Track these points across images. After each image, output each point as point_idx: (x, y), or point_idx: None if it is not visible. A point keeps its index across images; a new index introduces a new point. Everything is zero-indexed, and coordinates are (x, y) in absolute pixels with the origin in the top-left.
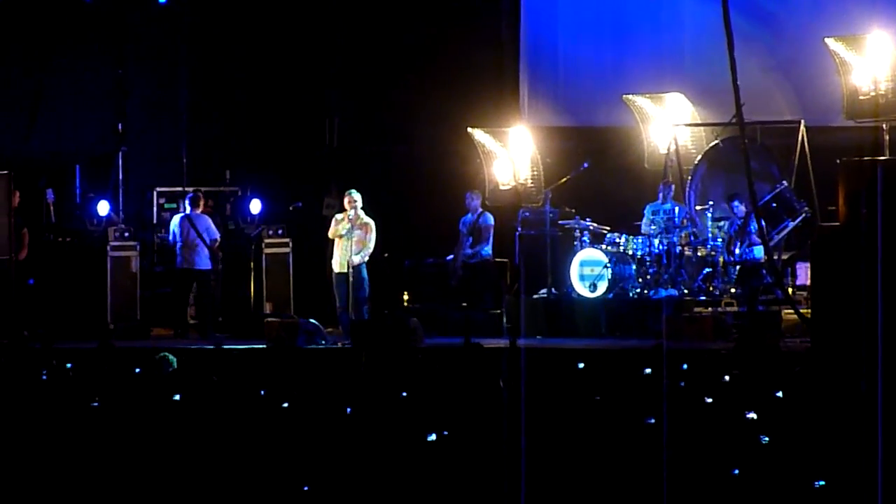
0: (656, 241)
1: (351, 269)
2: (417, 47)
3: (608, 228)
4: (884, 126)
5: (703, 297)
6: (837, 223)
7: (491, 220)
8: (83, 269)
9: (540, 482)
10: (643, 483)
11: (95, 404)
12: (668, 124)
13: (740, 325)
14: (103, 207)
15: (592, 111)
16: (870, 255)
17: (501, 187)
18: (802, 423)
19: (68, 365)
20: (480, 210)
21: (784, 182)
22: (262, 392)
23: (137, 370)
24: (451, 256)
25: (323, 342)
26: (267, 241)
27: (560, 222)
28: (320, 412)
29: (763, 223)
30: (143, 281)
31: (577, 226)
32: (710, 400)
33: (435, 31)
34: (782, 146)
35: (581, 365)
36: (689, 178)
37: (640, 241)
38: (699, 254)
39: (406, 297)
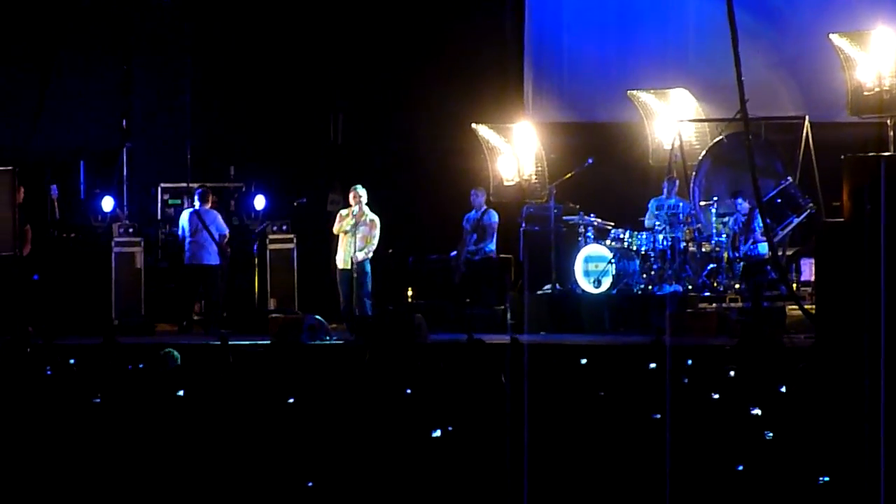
0: (660, 237)
1: (355, 266)
2: (422, 43)
3: (612, 224)
4: (888, 122)
5: (708, 293)
6: (842, 219)
7: (495, 217)
8: (88, 265)
9: (543, 478)
10: (647, 479)
11: (97, 400)
12: (673, 120)
13: (744, 321)
14: (108, 203)
15: (597, 107)
16: (874, 251)
17: (506, 183)
18: (806, 419)
19: (71, 360)
20: (485, 207)
21: (788, 178)
22: (265, 388)
23: (140, 366)
24: (455, 253)
25: (327, 338)
26: (271, 236)
27: (564, 218)
28: (324, 408)
29: (767, 219)
30: (147, 277)
31: (581, 222)
32: (716, 396)
33: (439, 27)
34: (787, 142)
35: (584, 361)
36: (694, 173)
37: (644, 236)
38: (703, 249)
39: (410, 293)
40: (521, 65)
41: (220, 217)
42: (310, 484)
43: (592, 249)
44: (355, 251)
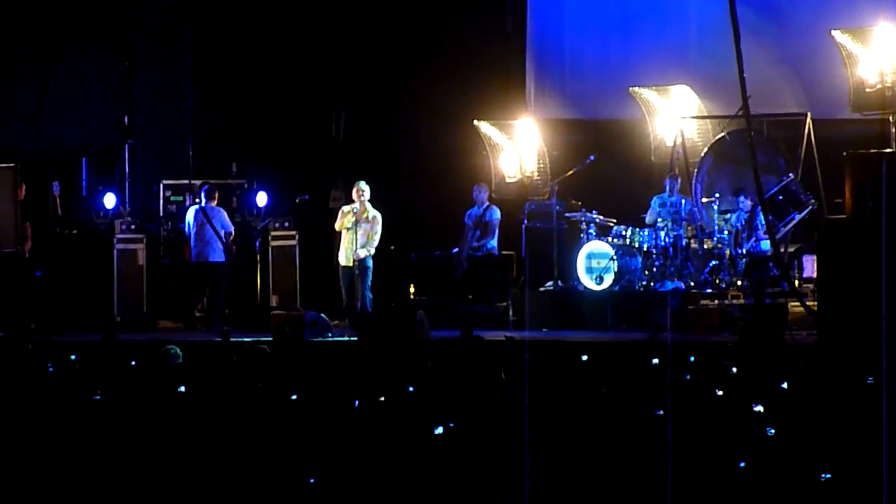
0: (662, 234)
1: (357, 262)
2: (424, 40)
3: (614, 221)
4: (890, 118)
5: (710, 290)
6: (844, 216)
7: (498, 213)
8: (90, 262)
9: (545, 474)
10: (648, 475)
11: (97, 398)
12: (675, 117)
13: (745, 318)
14: (110, 200)
15: (599, 104)
16: (875, 248)
17: (508, 180)
18: (808, 415)
19: (72, 357)
20: (487, 203)
21: (790, 174)
22: (267, 385)
23: (140, 363)
24: (457, 249)
25: (329, 335)
26: (273, 233)
27: (566, 215)
28: (326, 405)
29: (769, 216)
30: (149, 273)
31: (583, 218)
32: (720, 393)
33: (441, 23)
34: (789, 139)
35: (585, 357)
36: (696, 170)
37: (646, 233)
38: (705, 246)
39: (412, 289)
40: (523, 61)
41: (225, 214)
42: (311, 480)
43: (594, 246)
44: (357, 248)
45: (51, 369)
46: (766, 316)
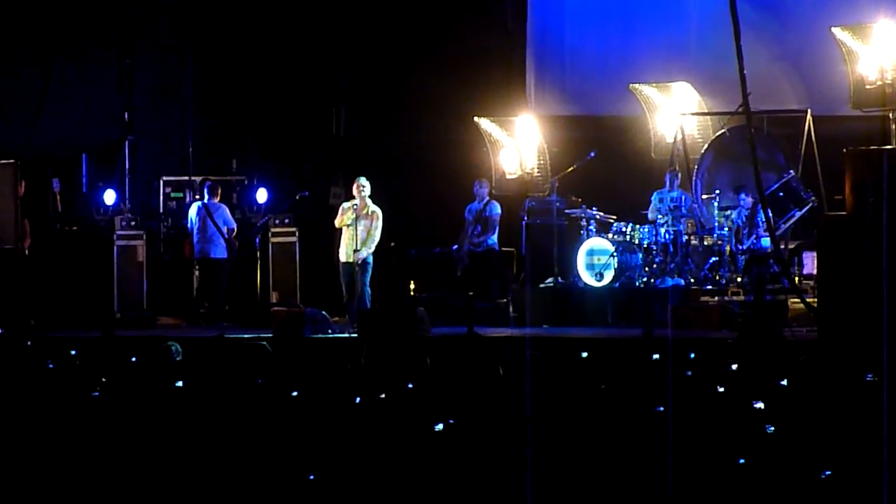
0: (662, 231)
1: (357, 259)
2: (424, 36)
3: (614, 217)
4: (890, 115)
5: (710, 287)
6: (844, 212)
7: (498, 209)
8: (90, 259)
9: (545, 471)
10: (649, 472)
11: (96, 394)
12: (675, 113)
13: (745, 315)
14: (110, 196)
15: (599, 100)
16: (876, 245)
17: (508, 176)
18: (808, 412)
19: (73, 352)
20: (488, 199)
21: (790, 171)
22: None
23: (139, 359)
24: (457, 246)
25: (329, 331)
26: (273, 230)
27: (566, 211)
28: (326, 402)
29: (769, 212)
30: (149, 270)
31: (583, 215)
32: (721, 389)
33: (442, 20)
34: (789, 135)
35: (585, 354)
36: (696, 167)
37: (646, 230)
38: (705, 243)
39: (412, 286)
40: (524, 58)
41: (227, 210)
42: (311, 477)
43: (594, 243)
44: (357, 245)
45: (51, 366)
46: (766, 312)
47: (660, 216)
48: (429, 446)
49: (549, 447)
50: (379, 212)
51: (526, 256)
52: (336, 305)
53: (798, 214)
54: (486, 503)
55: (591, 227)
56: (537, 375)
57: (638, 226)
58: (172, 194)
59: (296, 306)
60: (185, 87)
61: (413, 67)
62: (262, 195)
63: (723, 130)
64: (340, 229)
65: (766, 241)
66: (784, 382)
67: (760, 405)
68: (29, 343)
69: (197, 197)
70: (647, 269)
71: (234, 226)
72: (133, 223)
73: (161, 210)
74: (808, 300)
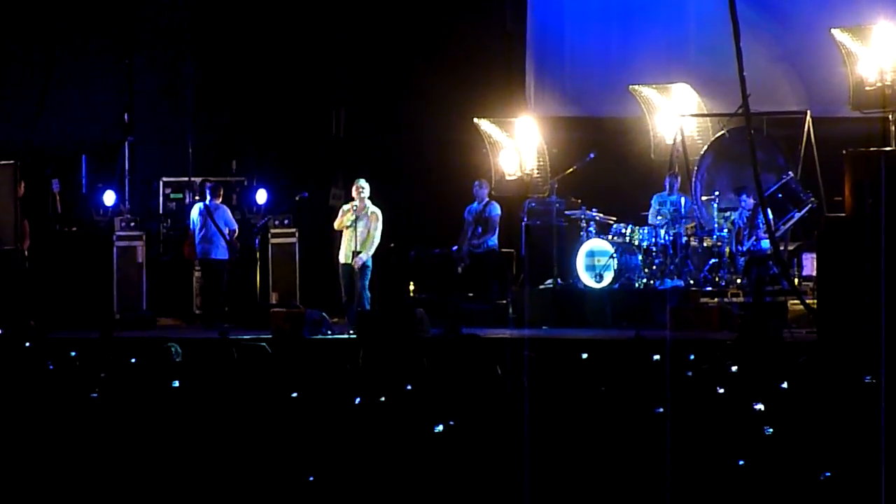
0: (662, 232)
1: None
2: (424, 37)
3: (614, 219)
4: (890, 117)
5: (709, 288)
6: (843, 214)
7: (498, 209)
8: (89, 259)
9: (544, 472)
10: (648, 473)
11: (94, 395)
12: (675, 115)
13: (745, 316)
14: (109, 197)
15: (599, 101)
16: (875, 246)
17: (508, 177)
18: (807, 413)
19: (72, 353)
20: (487, 200)
21: (790, 173)
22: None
23: (138, 361)
24: (456, 247)
25: (329, 333)
26: (273, 231)
27: (566, 213)
28: (325, 403)
29: (769, 214)
30: (149, 271)
31: (583, 216)
32: (721, 390)
33: (441, 20)
34: (788, 137)
35: (585, 355)
36: (696, 168)
37: (646, 231)
38: (705, 244)
39: (412, 287)
40: (523, 59)
41: (228, 212)
42: (311, 478)
43: (594, 244)
44: (357, 247)
45: (51, 367)
46: (765, 314)
47: (659, 218)
48: (428, 447)
49: (549, 448)
50: (378, 213)
51: (525, 257)
52: (335, 306)
53: (797, 216)
54: None
55: (591, 229)
56: (536, 376)
57: (638, 227)
58: (172, 195)
59: (295, 307)
60: (184, 89)
61: (413, 69)
62: (261, 196)
63: (722, 132)
64: (340, 230)
65: (765, 243)
66: (783, 384)
67: (760, 406)
68: (28, 344)
69: (197, 198)
70: (646, 270)
71: (236, 227)
72: (133, 224)
73: (161, 211)
74: (807, 301)
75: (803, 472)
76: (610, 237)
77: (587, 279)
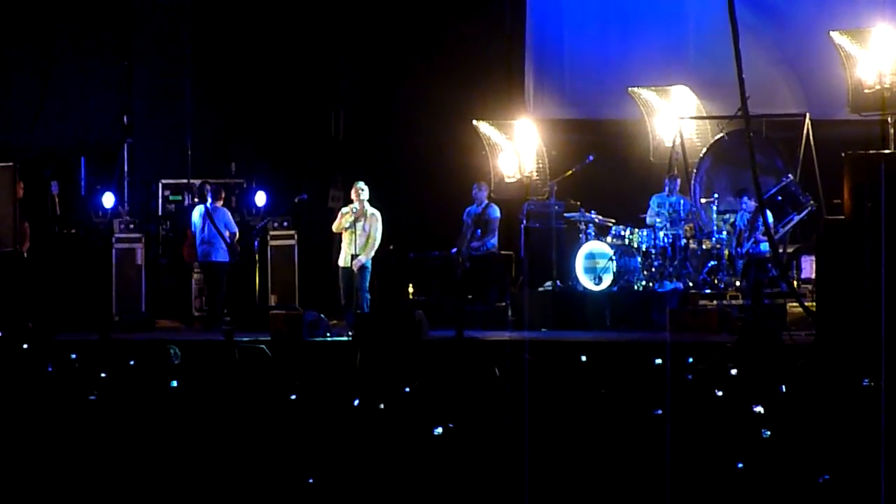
0: (661, 234)
1: (355, 263)
2: (423, 39)
3: (613, 221)
4: (889, 119)
5: (708, 290)
6: (842, 216)
7: (498, 212)
8: (88, 261)
9: (544, 475)
10: (647, 476)
11: (93, 398)
12: (674, 117)
13: (744, 319)
14: (108, 199)
15: (598, 104)
16: (874, 249)
17: (507, 180)
18: (806, 416)
19: (73, 356)
20: (487, 202)
21: (789, 175)
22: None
23: (137, 363)
24: (455, 249)
25: (328, 335)
26: (272, 233)
27: (565, 215)
28: (324, 405)
29: (768, 216)
30: (148, 273)
31: (582, 218)
32: (720, 393)
33: (440, 23)
34: (787, 139)
35: (584, 358)
36: (695, 171)
37: (645, 233)
38: (704, 247)
39: (411, 289)
40: (522, 61)
41: (229, 214)
42: (311, 480)
43: (593, 246)
44: (357, 249)
45: (50, 369)
46: (764, 316)
47: (658, 221)
48: (427, 450)
49: (548, 451)
50: (378, 215)
51: (524, 260)
52: (334, 308)
53: (796, 218)
54: None
55: (590, 231)
56: (535, 379)
57: (637, 229)
58: (171, 197)
59: (294, 309)
60: (183, 90)
61: (412, 71)
62: (260, 198)
63: (721, 134)
64: (339, 233)
65: (765, 246)
66: (782, 387)
67: (759, 409)
68: (26, 346)
69: (196, 200)
70: (645, 272)
71: (236, 230)
72: (132, 226)
73: (160, 213)
74: (806, 304)
75: (802, 474)
76: (609, 239)
77: (586, 281)
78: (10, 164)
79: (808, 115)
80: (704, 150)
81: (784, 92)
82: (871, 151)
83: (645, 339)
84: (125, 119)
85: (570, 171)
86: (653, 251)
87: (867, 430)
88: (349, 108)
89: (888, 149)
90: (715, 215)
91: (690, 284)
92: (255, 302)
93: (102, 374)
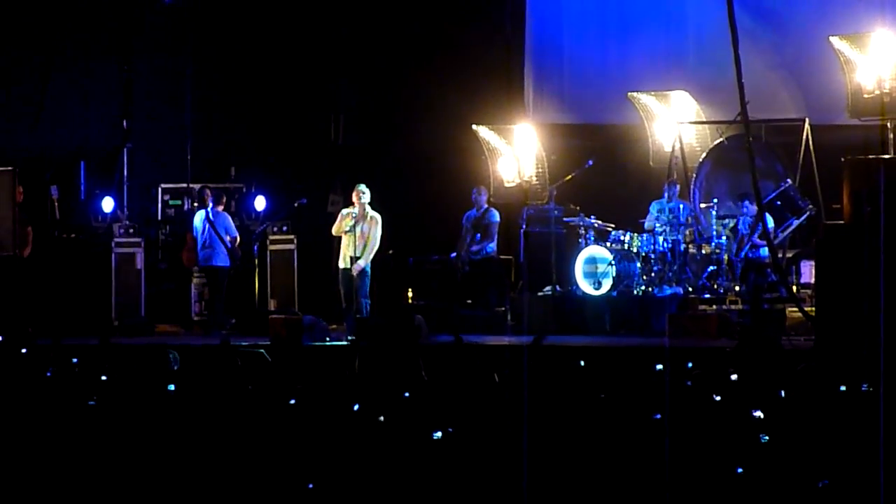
0: (661, 239)
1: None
2: (423, 44)
3: (613, 226)
4: (888, 125)
5: (708, 295)
6: (842, 221)
7: (497, 216)
8: (88, 266)
9: (543, 480)
10: (647, 481)
11: (92, 403)
12: (673, 122)
13: (743, 324)
14: (108, 204)
15: (597, 108)
16: (874, 254)
17: (506, 184)
18: (806, 421)
19: (74, 360)
20: (486, 206)
21: (788, 180)
22: (262, 389)
23: (136, 368)
24: (455, 254)
25: (327, 339)
26: (272, 237)
27: (565, 220)
28: (324, 409)
29: (769, 221)
30: (147, 277)
31: (581, 223)
32: (718, 398)
33: (440, 27)
34: (787, 144)
35: (582, 363)
36: (694, 175)
37: (644, 238)
38: (703, 251)
39: (410, 294)
40: (522, 66)
41: (230, 219)
42: (310, 486)
43: (593, 251)
44: (357, 252)
45: (50, 373)
46: (763, 321)
47: (658, 226)
48: (427, 454)
49: (547, 456)
50: (378, 217)
51: (524, 264)
52: (334, 313)
53: (796, 223)
54: None
55: (590, 236)
56: (534, 383)
57: (636, 234)
58: (171, 202)
59: (294, 314)
60: (183, 95)
61: (411, 75)
62: (260, 203)
63: (721, 139)
64: (339, 236)
65: (764, 251)
66: (782, 392)
67: (759, 414)
68: (24, 350)
69: (196, 205)
70: (645, 277)
71: (237, 234)
72: (131, 231)
73: (159, 217)
74: (805, 309)
75: (801, 479)
76: (608, 244)
77: (586, 286)
78: (10, 168)
79: (807, 119)
80: (704, 154)
81: (783, 97)
82: (870, 156)
83: (644, 344)
84: (125, 123)
85: (570, 176)
86: (652, 256)
87: (866, 435)
88: (349, 113)
89: (887, 154)
90: (714, 220)
91: (690, 289)
92: (254, 306)
93: (101, 380)
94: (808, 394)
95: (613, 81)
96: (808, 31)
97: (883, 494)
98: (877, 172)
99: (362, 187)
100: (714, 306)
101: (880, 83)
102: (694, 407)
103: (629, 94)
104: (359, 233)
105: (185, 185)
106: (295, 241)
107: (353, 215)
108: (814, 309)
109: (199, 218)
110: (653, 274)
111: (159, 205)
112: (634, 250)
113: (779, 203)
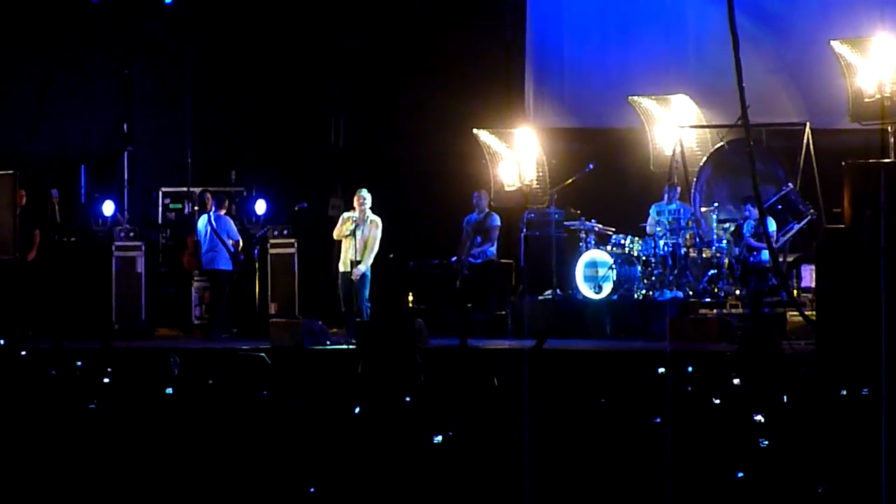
0: (661, 243)
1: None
2: (423, 47)
3: (613, 230)
4: (889, 128)
5: (708, 299)
6: (842, 225)
7: (498, 220)
8: (88, 269)
9: (543, 484)
10: (647, 485)
11: (93, 406)
12: (674, 126)
13: (744, 327)
14: (108, 207)
15: (598, 112)
16: (874, 258)
17: (507, 188)
18: (806, 425)
19: (78, 363)
20: (487, 210)
21: (789, 184)
22: (262, 393)
23: (137, 372)
24: (455, 258)
25: (328, 343)
26: (272, 241)
27: (565, 223)
28: (326, 413)
29: (771, 225)
30: (148, 281)
31: (582, 227)
32: (717, 401)
33: (441, 31)
34: (787, 148)
35: (582, 366)
36: (695, 179)
37: (645, 242)
38: (704, 255)
39: (411, 298)
40: (523, 70)
41: (231, 223)
42: (312, 490)
43: (593, 255)
44: (358, 256)
45: (50, 377)
46: (764, 325)
47: (658, 229)
48: (428, 458)
49: (548, 460)
50: (378, 221)
51: (525, 268)
52: (334, 316)
53: (796, 227)
54: None
55: (590, 240)
56: (535, 387)
57: (637, 238)
58: (171, 205)
59: (294, 317)
60: (184, 99)
61: (412, 79)
62: (260, 206)
63: (721, 143)
64: (339, 240)
65: (765, 255)
66: (783, 396)
67: (760, 418)
68: (25, 354)
69: (196, 208)
70: (645, 281)
71: (239, 238)
72: (132, 234)
73: (160, 221)
74: (806, 313)
75: (801, 484)
76: (609, 248)
77: (586, 290)
78: (11, 171)
79: (808, 123)
80: (704, 158)
81: (784, 101)
82: (871, 160)
83: (645, 347)
84: (125, 127)
85: (570, 180)
86: (653, 260)
87: (867, 440)
88: (349, 117)
89: (888, 158)
90: (715, 224)
91: (690, 293)
92: (255, 310)
93: (101, 383)
94: (808, 398)
95: (614, 85)
96: (809, 35)
97: (884, 499)
98: (877, 176)
99: (364, 192)
100: (714, 310)
101: (881, 87)
102: (694, 411)
103: (630, 97)
104: (359, 236)
105: (185, 188)
106: (295, 244)
107: (354, 219)
108: (814, 313)
109: (202, 222)
110: (653, 278)
111: (160, 208)
112: (635, 254)
113: (780, 207)
